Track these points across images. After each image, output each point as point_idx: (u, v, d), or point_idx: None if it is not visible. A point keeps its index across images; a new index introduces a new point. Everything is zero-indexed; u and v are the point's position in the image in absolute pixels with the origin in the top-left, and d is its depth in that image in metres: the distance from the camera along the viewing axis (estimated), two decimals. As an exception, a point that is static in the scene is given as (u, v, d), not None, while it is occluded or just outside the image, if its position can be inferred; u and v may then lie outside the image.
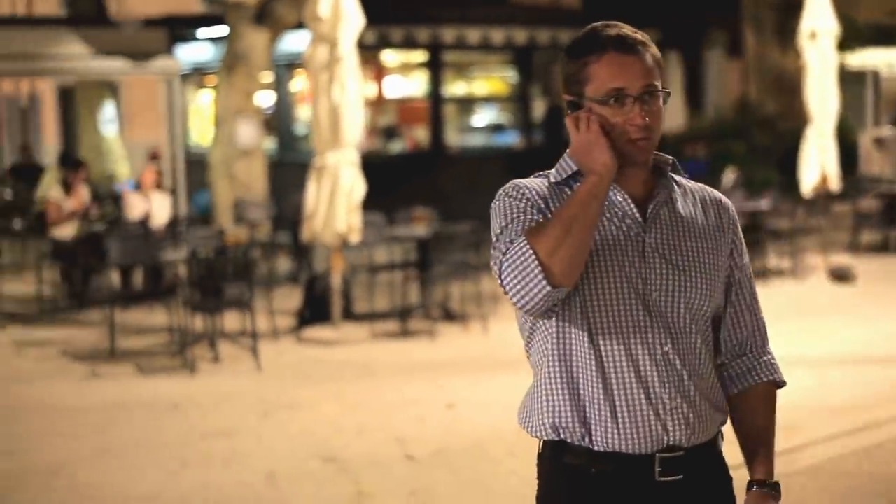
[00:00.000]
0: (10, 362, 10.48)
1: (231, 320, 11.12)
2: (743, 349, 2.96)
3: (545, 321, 2.81)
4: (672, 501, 2.80)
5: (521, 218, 2.73)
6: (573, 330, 2.77)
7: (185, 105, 22.04)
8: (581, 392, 2.77)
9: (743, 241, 2.96)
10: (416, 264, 12.51)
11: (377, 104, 19.67)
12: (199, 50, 20.77)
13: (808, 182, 14.61)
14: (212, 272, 10.39)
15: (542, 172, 2.89)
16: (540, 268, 2.61)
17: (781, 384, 2.99)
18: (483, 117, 21.00)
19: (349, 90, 11.19)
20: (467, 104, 20.90)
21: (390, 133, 19.88)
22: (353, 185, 11.29)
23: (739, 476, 2.93)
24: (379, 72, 19.63)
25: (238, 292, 10.39)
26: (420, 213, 13.05)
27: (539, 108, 20.76)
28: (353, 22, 11.29)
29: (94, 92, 22.16)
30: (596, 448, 2.77)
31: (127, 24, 16.73)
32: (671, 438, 2.77)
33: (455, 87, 20.53)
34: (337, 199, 11.18)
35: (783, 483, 2.98)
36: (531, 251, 2.62)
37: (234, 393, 9.12)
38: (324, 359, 10.35)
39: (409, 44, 19.16)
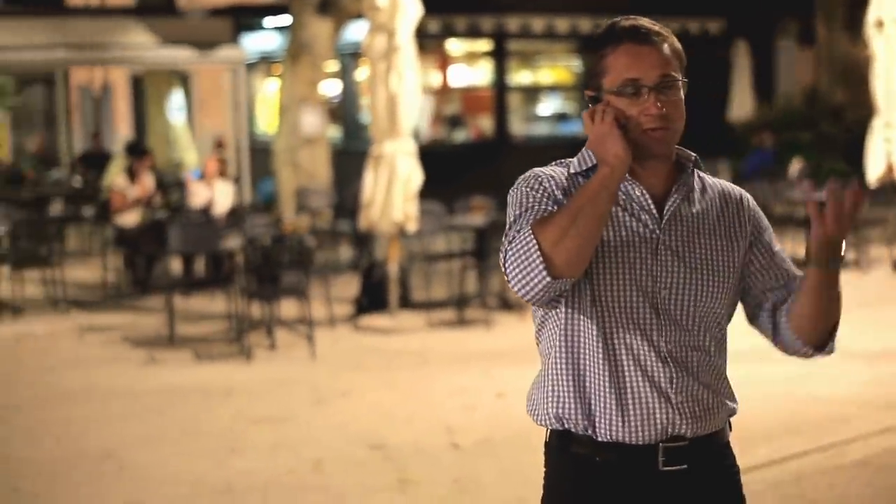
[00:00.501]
0: (72, 347, 10.64)
1: (289, 308, 11.21)
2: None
3: (556, 311, 2.81)
4: (676, 491, 2.80)
5: (536, 208, 2.72)
6: (582, 321, 2.77)
7: (252, 94, 22.23)
8: (587, 383, 2.78)
9: (769, 231, 2.92)
10: (473, 253, 12.53)
11: (442, 93, 19.70)
12: (265, 39, 20.91)
13: (873, 172, 14.42)
14: (268, 260, 10.48)
15: (563, 161, 2.88)
16: (542, 258, 2.60)
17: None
18: (548, 106, 20.95)
19: (406, 80, 11.22)
20: (532, 93, 20.87)
21: (455, 122, 19.91)
22: (410, 175, 11.33)
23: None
24: (443, 61, 19.66)
25: (294, 280, 10.47)
26: (478, 202, 13.07)
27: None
28: (410, 11, 11.32)
29: (162, 81, 22.42)
30: (599, 438, 2.78)
31: (193, 13, 16.89)
32: (676, 429, 2.77)
33: (519, 76, 20.50)
34: (394, 188, 11.23)
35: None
36: (534, 241, 2.61)
37: (287, 380, 9.20)
38: (379, 347, 10.40)
39: (473, 33, 19.16)
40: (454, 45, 19.94)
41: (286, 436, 7.61)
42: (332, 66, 18.44)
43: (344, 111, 19.93)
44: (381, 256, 12.23)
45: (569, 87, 20.98)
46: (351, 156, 18.60)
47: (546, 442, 2.91)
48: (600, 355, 2.76)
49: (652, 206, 2.78)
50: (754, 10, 21.57)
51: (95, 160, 19.45)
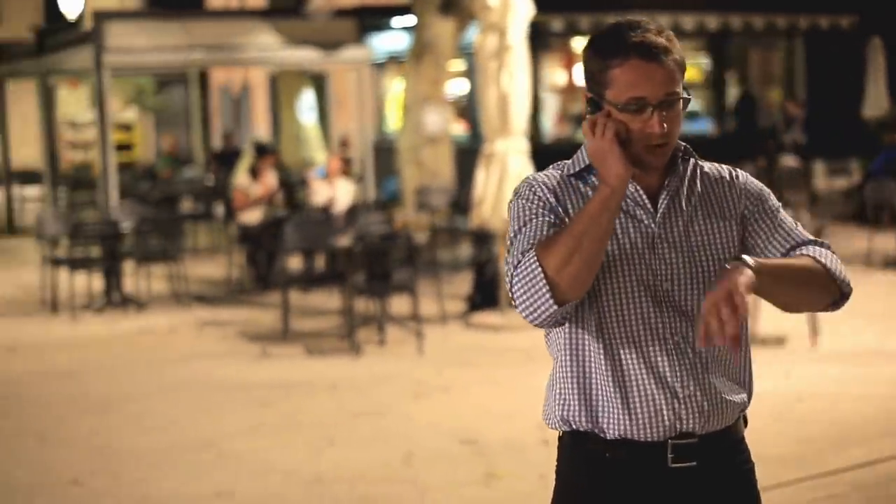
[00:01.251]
0: (190, 341, 10.95)
1: (402, 304, 11.36)
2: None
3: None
4: (686, 488, 2.81)
5: (534, 222, 2.74)
6: (583, 322, 2.80)
7: (381, 93, 22.50)
8: (592, 383, 2.81)
9: (769, 200, 2.88)
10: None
11: (567, 91, 19.70)
12: (394, 39, 21.14)
13: None
14: (379, 257, 10.64)
15: (560, 163, 2.89)
16: (547, 286, 2.63)
17: (824, 263, 2.81)
18: (675, 104, 20.79)
19: (518, 79, 11.29)
20: (659, 91, 20.72)
21: (580, 120, 19.86)
22: (521, 173, 11.38)
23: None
24: (568, 59, 19.66)
25: (405, 277, 10.62)
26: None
27: (733, 96, 20.45)
28: (522, 10, 11.38)
29: (293, 81, 22.83)
30: (608, 436, 2.80)
31: (318, 14, 17.17)
32: (684, 426, 2.78)
33: (646, 74, 20.38)
34: (505, 186, 11.30)
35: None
36: (539, 268, 2.63)
37: (392, 375, 9.34)
38: (487, 344, 10.48)
39: (597, 31, 19.11)
40: (579, 44, 19.92)
41: (382, 429, 7.75)
42: (459, 65, 18.57)
43: (470, 110, 20.05)
44: (491, 253, 12.30)
45: (696, 85, 20.80)
46: (477, 154, 18.70)
47: (559, 437, 2.94)
48: (604, 355, 2.78)
49: (647, 202, 2.80)
50: (888, 6, 21.11)
51: (228, 159, 19.90)
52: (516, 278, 2.67)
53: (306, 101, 23.81)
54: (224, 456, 7.21)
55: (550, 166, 2.91)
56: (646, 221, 2.79)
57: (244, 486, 6.64)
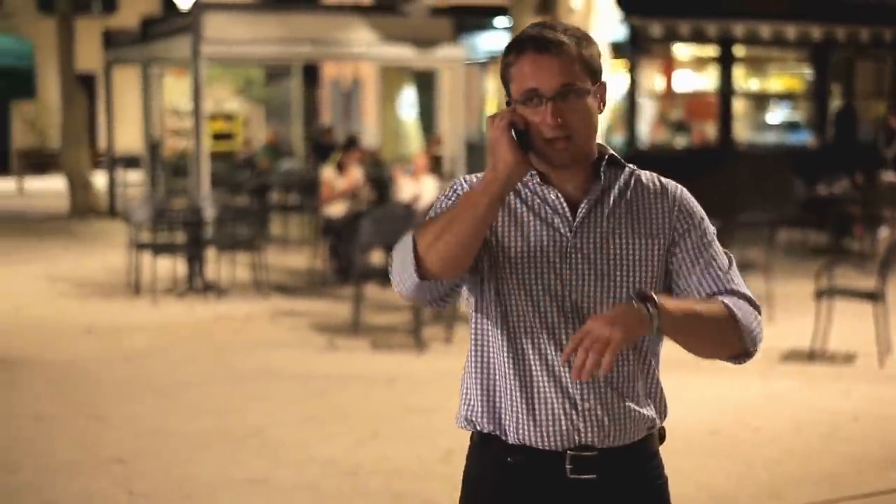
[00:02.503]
0: (262, 330, 11.10)
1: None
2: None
3: (470, 315, 2.85)
4: (588, 499, 2.79)
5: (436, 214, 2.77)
6: (489, 325, 2.80)
7: (483, 92, 22.56)
8: (496, 386, 2.81)
9: (700, 229, 2.80)
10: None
11: (665, 97, 19.56)
12: (496, 38, 21.18)
13: None
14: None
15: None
16: (414, 260, 2.64)
17: (737, 317, 2.75)
18: (776, 114, 20.52)
19: (599, 82, 11.23)
20: (759, 100, 20.48)
21: (678, 127, 19.73)
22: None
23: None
24: (668, 65, 19.51)
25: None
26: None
27: (836, 108, 20.14)
28: (606, 16, 11.33)
29: (397, 77, 22.99)
30: (509, 440, 2.80)
31: (414, 12, 17.27)
32: (583, 438, 2.75)
33: (746, 83, 20.15)
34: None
35: None
36: (412, 242, 2.66)
37: (452, 372, 9.31)
38: (552, 346, 10.45)
39: (698, 37, 18.95)
40: (679, 50, 19.77)
41: (430, 425, 7.79)
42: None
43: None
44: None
45: (799, 96, 20.50)
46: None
47: (470, 437, 2.96)
48: (508, 358, 2.77)
49: (566, 210, 2.76)
50: None
51: (325, 151, 20.11)
52: (395, 252, 2.72)
53: (408, 97, 23.97)
54: (268, 444, 7.31)
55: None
56: (562, 230, 2.75)
57: (280, 474, 6.73)
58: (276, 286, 13.24)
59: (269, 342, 10.53)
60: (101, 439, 7.45)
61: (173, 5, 24.80)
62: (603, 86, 2.75)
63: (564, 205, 2.76)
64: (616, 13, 11.46)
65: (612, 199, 2.79)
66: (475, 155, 18.40)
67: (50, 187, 26.95)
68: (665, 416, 2.88)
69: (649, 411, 2.82)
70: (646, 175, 2.85)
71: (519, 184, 2.77)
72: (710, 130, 19.58)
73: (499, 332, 2.78)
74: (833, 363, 9.49)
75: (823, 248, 15.79)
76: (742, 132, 19.74)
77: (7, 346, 10.28)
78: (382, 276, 12.91)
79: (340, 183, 13.91)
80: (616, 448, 2.77)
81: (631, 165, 2.85)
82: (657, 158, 16.86)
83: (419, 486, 6.61)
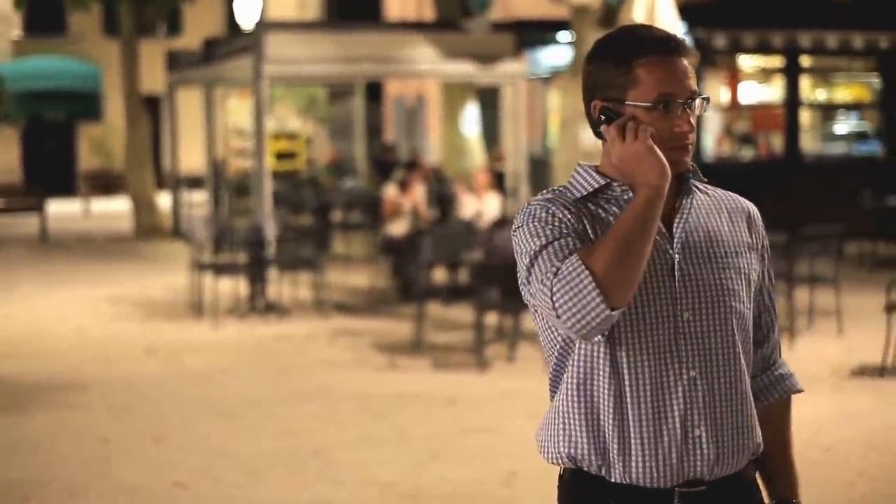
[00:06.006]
0: (321, 350, 11.05)
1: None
2: (768, 362, 2.83)
3: (569, 345, 2.67)
4: None
5: (561, 240, 2.57)
6: (595, 355, 2.64)
7: (546, 107, 22.43)
8: (600, 421, 2.65)
9: (769, 251, 2.81)
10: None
11: (731, 110, 19.33)
12: (558, 53, 21.05)
13: None
14: (513, 272, 10.53)
15: (552, 188, 2.74)
16: (598, 289, 2.47)
17: (799, 391, 2.89)
18: (844, 125, 20.21)
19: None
20: (826, 111, 20.18)
21: (744, 139, 19.48)
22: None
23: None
24: (733, 77, 19.28)
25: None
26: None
27: (906, 118, 19.78)
28: (670, 27, 11.17)
29: (459, 94, 22.90)
30: (613, 479, 2.64)
31: (476, 28, 17.20)
32: (692, 472, 2.62)
33: (813, 93, 19.88)
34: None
35: None
36: (586, 271, 2.47)
37: (514, 392, 9.25)
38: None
39: (763, 48, 18.69)
40: (744, 61, 19.52)
41: (490, 446, 7.68)
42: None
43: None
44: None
45: (867, 105, 20.18)
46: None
47: (560, 475, 2.78)
48: (612, 390, 2.62)
49: (661, 226, 2.63)
50: None
51: (386, 169, 20.10)
52: (558, 285, 2.49)
53: (471, 113, 23.88)
54: (329, 466, 7.23)
55: (542, 193, 2.74)
56: (664, 246, 2.64)
57: (340, 498, 6.65)
58: (337, 305, 13.19)
59: (329, 362, 10.47)
60: (164, 462, 7.41)
61: (237, 26, 24.95)
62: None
63: (660, 222, 2.64)
64: (680, 25, 11.29)
65: (700, 212, 2.72)
66: (538, 170, 18.28)
67: (115, 209, 27.18)
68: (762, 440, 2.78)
69: (753, 437, 2.72)
70: (711, 189, 2.79)
71: (605, 201, 2.68)
72: (777, 142, 19.30)
73: (607, 362, 2.62)
74: (863, 376, 9.28)
75: (893, 259, 15.50)
76: (809, 143, 19.45)
77: (69, 368, 10.31)
78: (444, 294, 12.84)
79: (403, 201, 13.85)
80: (723, 479, 2.66)
81: (705, 180, 2.79)
82: (723, 172, 16.62)
83: (480, 509, 6.50)
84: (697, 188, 2.75)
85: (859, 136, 19.96)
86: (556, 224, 2.61)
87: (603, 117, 2.67)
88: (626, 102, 2.62)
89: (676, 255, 2.64)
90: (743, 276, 2.68)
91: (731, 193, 2.81)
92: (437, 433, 8.03)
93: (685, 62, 2.61)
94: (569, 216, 2.63)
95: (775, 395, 2.82)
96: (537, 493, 6.69)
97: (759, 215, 2.79)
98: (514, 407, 8.76)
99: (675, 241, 2.65)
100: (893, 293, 9.75)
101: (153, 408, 8.88)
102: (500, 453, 7.50)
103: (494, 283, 10.61)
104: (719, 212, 2.73)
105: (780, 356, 2.87)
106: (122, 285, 15.24)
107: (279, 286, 13.36)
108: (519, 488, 6.80)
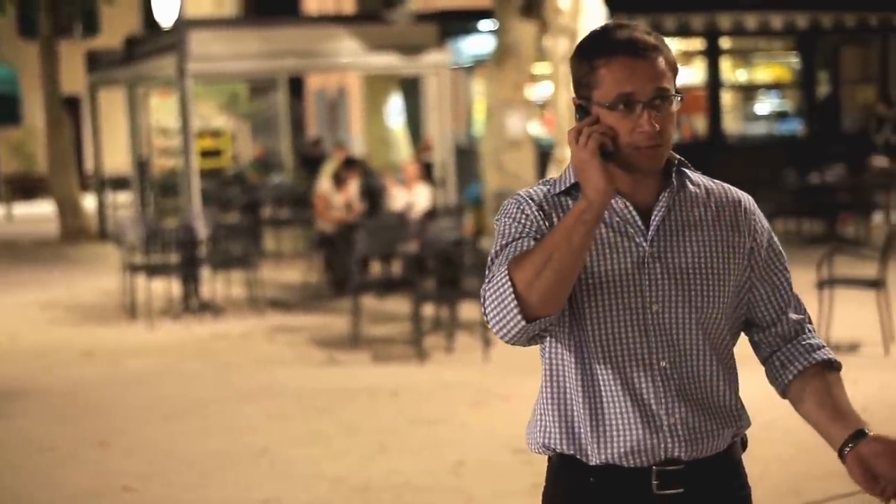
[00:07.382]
0: (260, 347, 11.03)
1: (473, 311, 11.30)
2: (788, 337, 2.86)
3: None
4: None
5: (520, 241, 2.64)
6: (562, 346, 2.71)
7: (469, 96, 22.50)
8: (572, 410, 2.72)
9: (773, 240, 2.82)
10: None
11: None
12: (480, 42, 21.11)
13: None
14: (448, 263, 10.62)
15: (549, 179, 2.79)
16: (515, 301, 2.52)
17: (838, 366, 2.86)
18: (765, 105, 20.51)
19: (588, 82, 11.20)
20: (747, 91, 20.46)
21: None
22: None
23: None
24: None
25: (476, 283, 10.58)
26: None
27: (824, 96, 20.13)
28: (593, 13, 11.29)
29: (382, 85, 22.94)
30: (591, 462, 2.71)
31: (398, 19, 17.22)
32: (669, 452, 2.69)
33: (734, 74, 20.14)
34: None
35: None
36: (509, 283, 2.53)
37: (454, 383, 9.31)
38: (555, 350, 10.39)
39: (684, 31, 18.92)
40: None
41: (436, 437, 7.73)
42: (545, 68, 18.48)
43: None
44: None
45: (787, 85, 20.49)
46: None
47: (548, 459, 2.86)
48: (583, 379, 2.69)
49: (637, 218, 2.68)
50: None
51: (314, 164, 20.05)
52: (488, 293, 2.58)
53: (395, 104, 23.91)
54: (277, 463, 7.24)
55: (538, 182, 2.80)
56: (637, 240, 2.68)
57: (291, 494, 6.67)
58: (271, 302, 13.17)
59: (269, 360, 10.46)
60: (111, 467, 7.37)
61: (155, 24, 24.71)
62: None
63: (635, 214, 2.69)
64: (603, 11, 11.41)
65: (684, 204, 2.73)
66: (464, 159, 18.32)
67: (39, 212, 26.84)
68: (748, 423, 2.84)
69: (734, 419, 2.78)
70: (706, 181, 2.80)
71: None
72: (700, 124, 19.54)
73: (573, 352, 2.69)
74: (837, 353, 9.34)
75: (818, 236, 15.76)
76: (732, 124, 19.72)
77: (6, 377, 10.20)
78: (379, 288, 12.87)
79: (337, 197, 13.85)
80: (703, 459, 2.72)
81: (698, 172, 2.80)
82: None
83: (431, 500, 6.56)
84: (690, 181, 2.76)
85: (780, 116, 20.28)
86: (523, 222, 2.67)
87: (577, 115, 2.71)
88: (592, 102, 2.65)
89: (649, 248, 2.68)
90: (716, 271, 2.71)
91: (726, 185, 2.81)
92: (383, 426, 8.07)
93: (654, 63, 2.61)
94: (536, 213, 2.68)
95: (800, 363, 2.83)
96: (485, 482, 6.77)
97: (753, 205, 2.80)
98: (457, 397, 8.82)
99: (650, 234, 2.68)
100: (823, 269, 9.93)
101: (96, 412, 8.83)
102: (447, 443, 7.56)
103: (430, 274, 10.66)
104: (706, 206, 2.74)
105: (809, 332, 2.87)
106: (52, 290, 15.09)
107: (212, 285, 13.31)
108: (467, 477, 6.86)
